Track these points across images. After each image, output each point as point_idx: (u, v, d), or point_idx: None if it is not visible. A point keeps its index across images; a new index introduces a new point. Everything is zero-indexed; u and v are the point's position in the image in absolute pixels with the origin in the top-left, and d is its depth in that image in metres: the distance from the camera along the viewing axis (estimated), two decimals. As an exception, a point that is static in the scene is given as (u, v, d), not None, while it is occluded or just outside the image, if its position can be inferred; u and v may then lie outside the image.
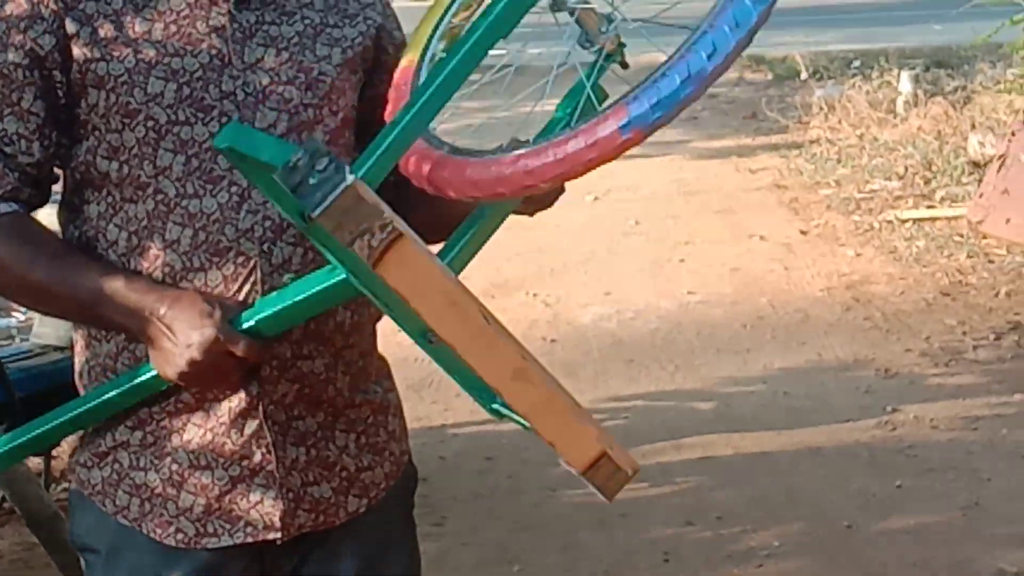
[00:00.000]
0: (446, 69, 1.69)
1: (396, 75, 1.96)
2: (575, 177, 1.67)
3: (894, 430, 5.17)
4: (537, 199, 1.91)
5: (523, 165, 1.68)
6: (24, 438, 2.06)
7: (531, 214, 1.99)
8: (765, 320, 6.44)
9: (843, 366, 5.84)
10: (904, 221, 7.84)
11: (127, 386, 1.93)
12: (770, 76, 13.27)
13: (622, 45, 1.80)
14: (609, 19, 1.78)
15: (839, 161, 9.36)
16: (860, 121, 10.27)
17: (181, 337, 1.83)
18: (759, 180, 9.26)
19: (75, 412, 1.99)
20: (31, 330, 4.67)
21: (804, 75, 12.63)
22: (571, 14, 1.76)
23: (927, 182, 8.59)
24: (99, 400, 1.96)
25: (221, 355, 1.83)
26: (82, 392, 2.04)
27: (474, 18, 1.88)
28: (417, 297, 1.63)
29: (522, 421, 1.74)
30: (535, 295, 6.96)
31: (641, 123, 1.58)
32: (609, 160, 1.62)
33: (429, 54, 1.94)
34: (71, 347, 4.14)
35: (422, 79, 1.88)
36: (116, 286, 1.89)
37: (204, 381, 1.89)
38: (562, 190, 1.91)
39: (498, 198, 1.74)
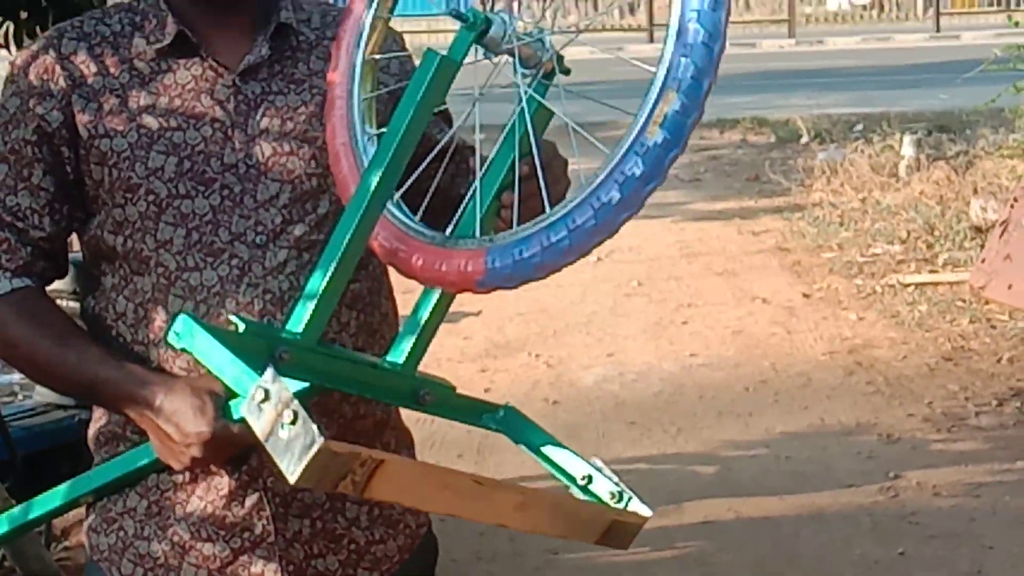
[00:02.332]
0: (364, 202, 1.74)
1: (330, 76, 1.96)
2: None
3: (896, 496, 5.16)
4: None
5: (419, 260, 1.76)
6: (27, 519, 2.06)
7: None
8: (767, 383, 6.44)
9: (845, 431, 5.84)
10: (906, 285, 7.86)
11: (132, 468, 1.95)
12: (773, 138, 13.32)
13: (560, 58, 1.79)
14: (541, 41, 1.77)
15: (842, 224, 9.39)
16: (862, 185, 10.30)
17: (179, 437, 1.83)
18: (762, 242, 9.28)
19: (80, 492, 2.00)
20: (34, 387, 4.68)
21: (805, 139, 12.69)
22: (510, 54, 1.76)
23: (929, 246, 8.61)
24: (104, 482, 1.97)
25: (221, 446, 1.83)
26: (94, 455, 2.04)
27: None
28: (410, 497, 1.67)
29: None
30: (537, 356, 6.96)
31: (493, 282, 1.68)
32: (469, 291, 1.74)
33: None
34: (74, 406, 4.18)
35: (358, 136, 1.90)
36: (112, 375, 1.90)
37: (208, 465, 1.90)
38: None
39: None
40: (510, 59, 1.75)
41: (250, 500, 1.97)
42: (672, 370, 6.69)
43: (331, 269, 1.75)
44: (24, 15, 4.14)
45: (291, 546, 1.99)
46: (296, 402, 1.55)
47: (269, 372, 1.58)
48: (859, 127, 12.89)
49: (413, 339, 1.85)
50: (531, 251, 1.64)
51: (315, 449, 1.52)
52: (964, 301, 7.48)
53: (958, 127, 12.21)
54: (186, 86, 1.95)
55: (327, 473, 1.55)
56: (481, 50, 1.75)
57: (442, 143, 1.93)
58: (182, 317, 1.72)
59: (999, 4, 25.46)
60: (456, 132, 2.01)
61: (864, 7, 29.61)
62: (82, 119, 1.93)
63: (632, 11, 29.91)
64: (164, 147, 1.92)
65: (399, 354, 1.86)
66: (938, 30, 25.09)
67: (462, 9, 1.72)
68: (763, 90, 15.67)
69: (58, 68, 1.94)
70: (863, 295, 7.81)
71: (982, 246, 7.94)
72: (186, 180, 1.92)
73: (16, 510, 2.08)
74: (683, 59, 1.57)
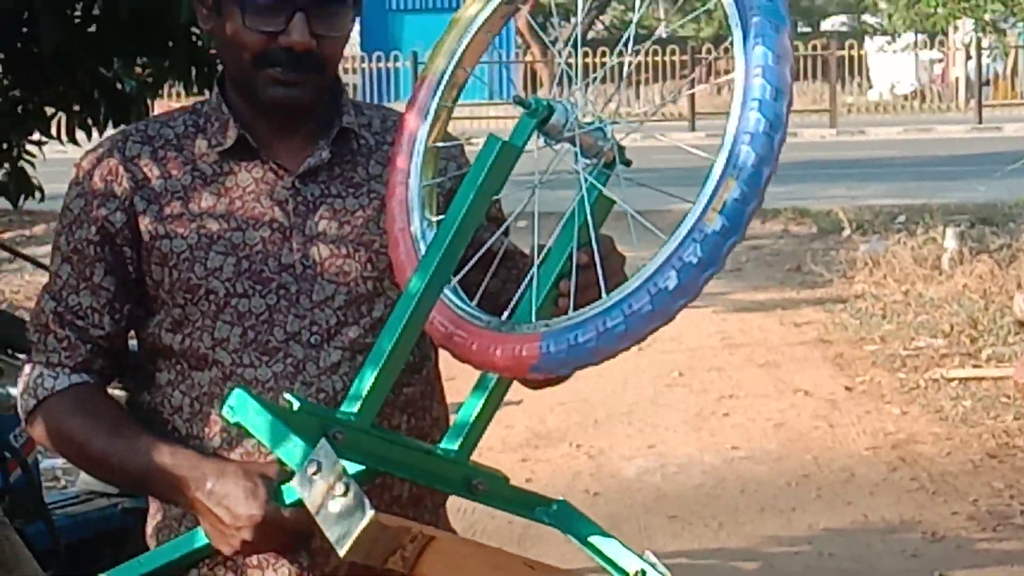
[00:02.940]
0: (420, 290, 1.74)
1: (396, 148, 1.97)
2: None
3: (942, 596, 5.10)
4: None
5: (473, 345, 1.76)
6: None
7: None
8: (810, 478, 6.39)
9: (889, 528, 5.77)
10: (950, 380, 7.80)
11: (180, 555, 1.95)
12: (814, 229, 13.32)
13: (621, 149, 1.80)
14: (602, 131, 1.78)
15: (884, 317, 9.35)
16: (905, 277, 10.27)
17: (229, 520, 1.84)
18: (804, 334, 9.25)
19: None
20: (78, 474, 4.69)
21: (847, 230, 12.67)
22: (571, 142, 1.76)
23: (973, 341, 8.56)
24: (153, 568, 1.97)
25: (272, 531, 1.83)
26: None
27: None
28: None
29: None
30: (578, 446, 6.93)
31: (548, 367, 1.68)
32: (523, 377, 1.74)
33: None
34: (118, 493, 4.18)
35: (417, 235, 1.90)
36: (164, 461, 1.92)
37: (259, 551, 1.89)
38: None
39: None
40: (571, 147, 1.76)
41: None
42: (714, 463, 6.65)
43: (389, 348, 1.74)
44: (76, 107, 4.21)
45: None
46: (348, 475, 1.56)
47: (323, 444, 1.59)
48: (901, 218, 12.87)
49: (467, 427, 1.85)
50: (586, 336, 1.63)
51: (365, 521, 1.54)
52: (1008, 397, 7.42)
53: (1001, 220, 12.17)
54: (246, 188, 1.98)
55: (376, 546, 1.56)
56: (542, 137, 1.75)
57: (489, 243, 1.93)
58: (236, 391, 1.72)
59: (1041, 96, 25.49)
60: (508, 238, 2.02)
61: (906, 97, 29.65)
62: (144, 220, 1.97)
63: (674, 99, 30.05)
64: (223, 247, 1.95)
65: (453, 442, 1.85)
66: (980, 121, 25.07)
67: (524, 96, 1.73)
68: (804, 180, 15.66)
69: (122, 170, 1.98)
70: (906, 389, 7.76)
71: (1026, 341, 7.90)
72: (244, 279, 1.95)
73: None
74: (744, 147, 1.58)
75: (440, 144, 1.97)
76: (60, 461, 6.55)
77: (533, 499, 1.94)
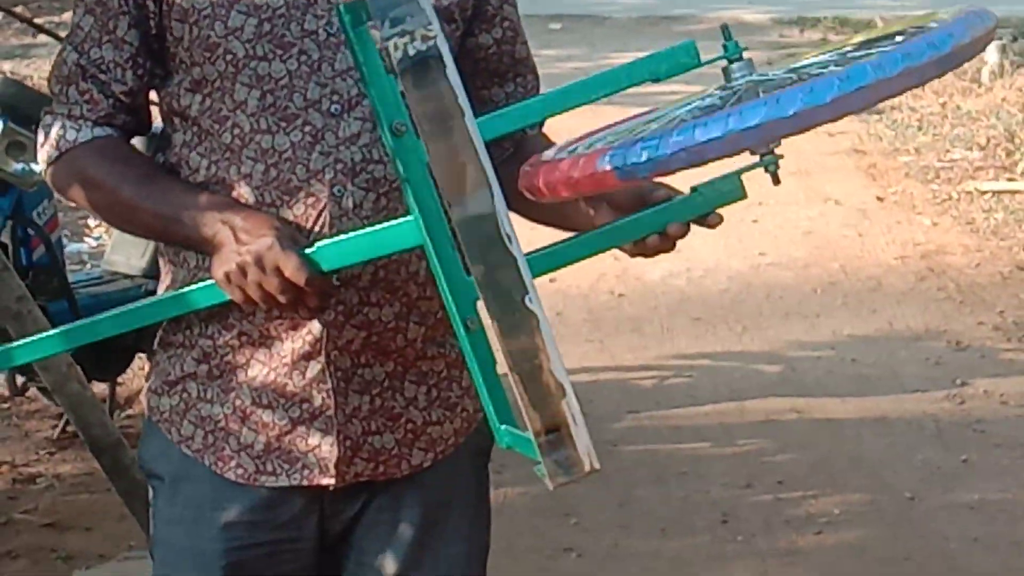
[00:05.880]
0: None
1: None
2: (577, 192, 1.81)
3: (963, 403, 5.10)
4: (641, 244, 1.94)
5: (542, 173, 1.81)
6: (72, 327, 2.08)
7: (632, 255, 2.00)
8: (837, 286, 6.37)
9: (914, 336, 5.77)
10: (983, 192, 7.70)
11: (177, 293, 1.94)
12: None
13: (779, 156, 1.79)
14: None
15: (920, 128, 9.21)
16: (943, 89, 10.09)
17: (243, 236, 1.83)
18: (837, 144, 9.12)
19: (125, 311, 2.00)
20: (103, 256, 4.71)
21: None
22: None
23: (1009, 154, 8.43)
24: (148, 303, 1.98)
25: (271, 268, 1.80)
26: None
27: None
28: (428, 126, 1.65)
29: (530, 452, 1.74)
30: (604, 248, 6.91)
31: (627, 172, 1.69)
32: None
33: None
34: (141, 275, 4.21)
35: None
36: (200, 200, 1.90)
37: (249, 294, 1.85)
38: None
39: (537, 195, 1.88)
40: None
41: (311, 371, 1.95)
42: (740, 268, 6.63)
43: None
44: None
45: (349, 421, 1.98)
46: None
47: None
48: (943, 30, 12.61)
49: None
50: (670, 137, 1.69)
51: None
52: (1042, 211, 7.34)
53: (1045, 34, 11.92)
54: None
55: (394, 9, 1.62)
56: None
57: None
58: None
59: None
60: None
61: (954, -93, 28.92)
62: None
63: None
64: (245, 8, 1.90)
65: None
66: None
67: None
68: (846, -11, 15.36)
69: None
70: (938, 200, 7.68)
71: (1063, 156, 7.78)
72: (264, 42, 1.90)
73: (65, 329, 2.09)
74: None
75: None
76: (86, 246, 6.59)
77: None
